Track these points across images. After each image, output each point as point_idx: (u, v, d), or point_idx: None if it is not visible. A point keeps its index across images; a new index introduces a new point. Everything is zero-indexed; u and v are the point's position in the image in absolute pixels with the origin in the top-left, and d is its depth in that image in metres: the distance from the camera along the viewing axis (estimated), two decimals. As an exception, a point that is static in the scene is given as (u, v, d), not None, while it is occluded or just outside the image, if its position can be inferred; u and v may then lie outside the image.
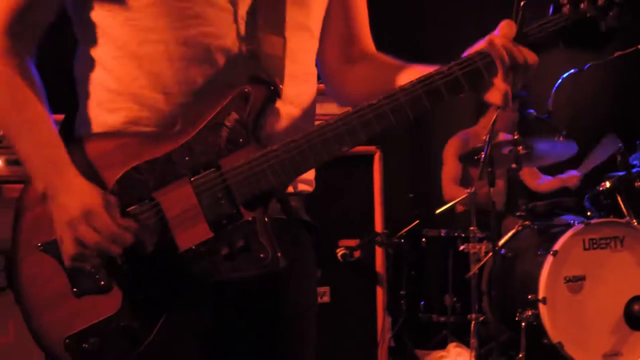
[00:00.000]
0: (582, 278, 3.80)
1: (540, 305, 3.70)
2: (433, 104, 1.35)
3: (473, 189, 3.93)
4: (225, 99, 1.32)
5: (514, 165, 4.02)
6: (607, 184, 4.27)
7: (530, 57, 1.35)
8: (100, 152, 1.35)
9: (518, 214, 4.21)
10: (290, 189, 1.47)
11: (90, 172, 1.33)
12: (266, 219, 1.33)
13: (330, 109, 3.26)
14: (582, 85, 5.23)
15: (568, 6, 1.38)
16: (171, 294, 1.33)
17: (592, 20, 1.38)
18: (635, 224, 3.97)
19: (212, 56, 1.34)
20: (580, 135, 5.02)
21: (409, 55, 1.55)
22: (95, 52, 1.40)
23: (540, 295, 3.70)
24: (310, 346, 1.57)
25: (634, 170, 4.33)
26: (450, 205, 4.24)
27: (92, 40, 1.39)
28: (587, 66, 4.59)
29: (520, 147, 3.99)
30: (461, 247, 3.99)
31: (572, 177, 4.69)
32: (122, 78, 1.36)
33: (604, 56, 4.65)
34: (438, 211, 4.22)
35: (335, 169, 3.64)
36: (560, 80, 4.52)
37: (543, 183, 4.81)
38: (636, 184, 4.25)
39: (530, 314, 3.72)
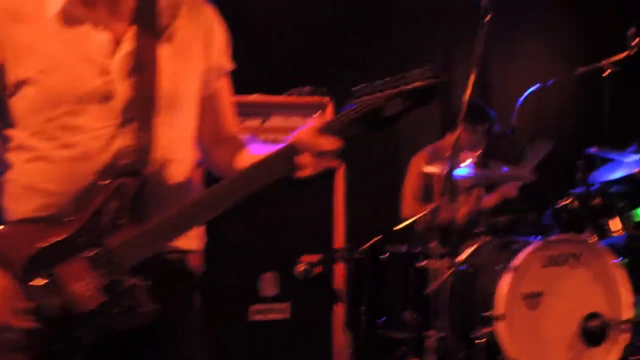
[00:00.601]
0: (540, 294, 3.85)
1: (498, 322, 3.73)
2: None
3: (435, 205, 3.97)
4: (108, 190, 1.69)
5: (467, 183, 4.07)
6: (567, 201, 4.36)
7: (333, 144, 1.72)
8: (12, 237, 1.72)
9: (479, 230, 4.27)
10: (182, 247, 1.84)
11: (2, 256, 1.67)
12: (147, 282, 1.69)
13: (295, 122, 3.35)
14: (546, 101, 5.33)
15: (367, 97, 1.73)
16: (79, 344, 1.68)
17: (380, 108, 1.72)
18: (593, 240, 4.04)
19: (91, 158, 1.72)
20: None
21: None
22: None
23: (498, 312, 3.74)
24: None
25: (593, 188, 4.42)
26: (412, 221, 4.28)
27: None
28: (550, 82, 4.69)
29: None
30: (421, 264, 4.03)
31: (509, 188, 4.76)
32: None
33: (567, 73, 4.76)
34: (396, 228, 4.27)
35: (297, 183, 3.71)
36: (524, 96, 4.60)
37: (486, 199, 4.85)
38: (595, 201, 4.33)
39: (487, 330, 3.74)
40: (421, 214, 4.17)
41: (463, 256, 4.12)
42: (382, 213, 4.90)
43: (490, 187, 4.81)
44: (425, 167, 4.56)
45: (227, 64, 1.98)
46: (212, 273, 3.45)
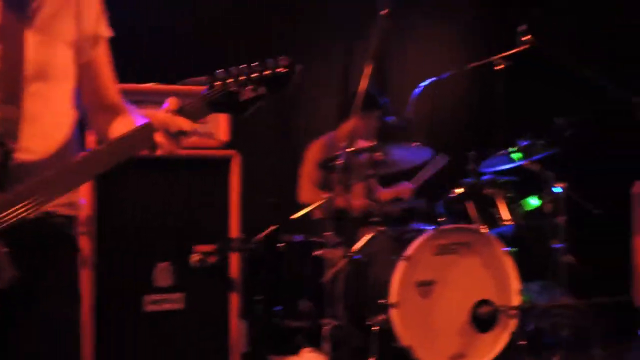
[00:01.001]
0: (432, 282, 3.96)
1: (392, 310, 3.81)
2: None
3: (331, 195, 4.01)
4: None
5: (370, 172, 4.14)
6: (459, 190, 4.48)
7: (186, 124, 1.84)
8: None
9: (373, 219, 4.34)
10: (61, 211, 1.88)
11: None
12: (6, 249, 1.71)
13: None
14: (442, 94, 5.46)
15: (220, 83, 1.84)
16: None
17: (235, 92, 1.85)
18: (483, 229, 4.17)
19: None
20: (440, 142, 5.26)
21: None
22: None
23: (392, 300, 3.82)
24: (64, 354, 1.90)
25: (483, 177, 4.56)
26: (308, 211, 4.31)
27: None
28: (445, 75, 4.80)
29: (377, 154, 4.13)
30: (317, 253, 4.07)
31: (405, 189, 4.88)
32: None
33: (461, 67, 4.89)
34: (293, 216, 4.29)
35: (192, 173, 3.69)
36: (419, 88, 4.70)
37: (382, 193, 4.94)
38: (485, 191, 4.46)
39: (381, 318, 3.83)
40: (317, 204, 4.19)
41: (358, 245, 4.19)
42: (280, 203, 4.90)
43: (386, 178, 4.91)
44: (321, 155, 4.61)
45: (103, 31, 2.01)
46: (106, 263, 3.44)
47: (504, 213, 4.46)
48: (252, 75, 1.85)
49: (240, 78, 1.84)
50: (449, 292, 4.00)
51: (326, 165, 4.25)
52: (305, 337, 4.18)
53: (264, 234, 4.15)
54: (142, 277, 3.57)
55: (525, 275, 4.43)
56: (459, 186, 4.51)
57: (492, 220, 4.43)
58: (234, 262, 3.68)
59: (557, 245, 4.44)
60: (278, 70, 1.86)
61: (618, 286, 5.05)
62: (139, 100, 3.27)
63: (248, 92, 1.85)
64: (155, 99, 3.73)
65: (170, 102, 1.88)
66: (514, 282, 4.11)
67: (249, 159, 3.80)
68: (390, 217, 4.48)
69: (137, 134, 1.86)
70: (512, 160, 4.66)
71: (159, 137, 1.84)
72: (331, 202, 4.00)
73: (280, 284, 4.35)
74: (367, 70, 3.76)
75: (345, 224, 3.96)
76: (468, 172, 4.56)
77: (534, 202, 4.63)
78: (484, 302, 4.04)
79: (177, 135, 1.85)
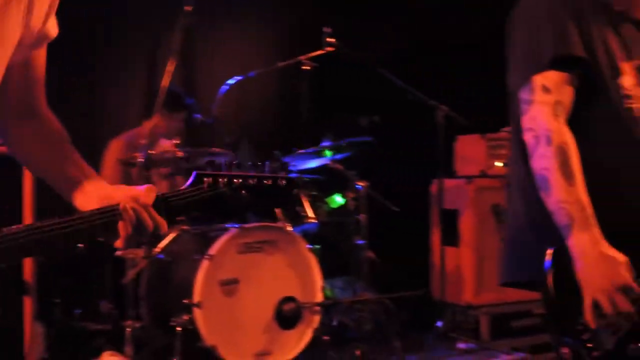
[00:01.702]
0: (237, 281, 3.97)
1: (196, 310, 3.79)
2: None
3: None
4: None
5: (173, 170, 4.10)
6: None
7: (162, 225, 1.59)
8: None
9: (177, 218, 4.30)
10: None
11: None
12: None
13: None
14: (249, 93, 5.50)
15: (209, 181, 1.62)
16: None
17: (224, 194, 1.62)
18: (288, 227, 4.23)
19: None
20: (247, 140, 5.30)
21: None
22: None
23: (195, 300, 3.80)
24: None
25: (288, 176, 4.62)
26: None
27: None
28: (252, 73, 4.85)
29: (180, 152, 4.10)
30: (118, 253, 3.99)
31: None
32: None
33: (268, 66, 4.96)
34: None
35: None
36: (225, 86, 4.71)
37: None
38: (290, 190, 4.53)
39: (185, 318, 3.80)
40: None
41: (161, 245, 4.15)
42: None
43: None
44: (122, 153, 4.51)
45: (50, 31, 1.76)
46: None
47: (309, 211, 4.54)
48: (249, 182, 1.65)
49: (235, 181, 1.63)
50: (254, 291, 4.02)
51: (127, 163, 4.17)
52: (106, 340, 4.07)
53: (61, 234, 4.00)
54: None
55: (329, 272, 4.58)
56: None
57: (297, 218, 4.51)
58: (28, 264, 3.53)
59: (360, 241, 4.60)
60: (279, 182, 1.70)
61: (418, 281, 5.31)
62: None
63: (243, 199, 1.64)
64: None
65: (146, 191, 1.59)
66: (318, 279, 4.20)
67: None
68: (194, 216, 4.45)
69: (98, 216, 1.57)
70: (322, 158, 4.78)
71: (123, 228, 1.56)
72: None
73: (80, 285, 4.22)
74: (170, 67, 3.72)
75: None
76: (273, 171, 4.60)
77: (338, 199, 4.76)
78: (288, 300, 4.10)
79: (146, 232, 1.58)
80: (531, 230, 2.02)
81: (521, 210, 2.05)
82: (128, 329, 3.80)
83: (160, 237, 1.44)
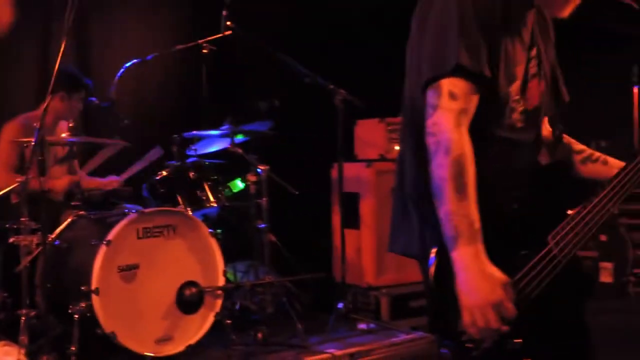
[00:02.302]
0: (136, 267, 3.90)
1: (93, 296, 3.71)
2: None
3: (25, 177, 3.78)
4: None
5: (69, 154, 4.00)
6: (164, 173, 4.46)
7: None
8: None
9: (74, 203, 4.20)
10: None
11: None
12: None
13: None
14: (148, 76, 5.40)
15: None
16: None
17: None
18: (188, 212, 4.19)
19: None
20: (144, 123, 5.21)
21: None
22: None
23: (93, 286, 3.71)
24: None
25: (189, 160, 4.58)
26: (2, 195, 4.04)
27: None
28: (150, 57, 4.76)
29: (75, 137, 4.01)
30: (11, 240, 3.85)
31: (111, 181, 4.78)
32: None
33: (167, 49, 4.88)
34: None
35: None
36: (122, 69, 4.61)
37: (84, 180, 4.80)
38: (190, 174, 4.48)
39: (83, 305, 3.72)
40: (11, 187, 3.93)
41: (57, 231, 4.03)
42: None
43: (89, 157, 4.78)
44: (17, 136, 4.36)
45: None
46: None
47: (210, 195, 4.51)
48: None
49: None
50: (154, 276, 3.97)
51: (21, 146, 4.04)
52: (0, 330, 3.94)
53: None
54: None
55: (231, 256, 4.56)
56: (164, 169, 4.49)
57: (198, 202, 4.47)
58: None
59: (261, 225, 4.59)
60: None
61: (319, 263, 5.34)
62: None
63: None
64: None
65: None
66: (219, 263, 4.17)
67: None
68: (92, 201, 4.35)
69: None
70: (222, 141, 4.74)
71: None
72: (25, 185, 3.76)
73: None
74: (62, 48, 3.61)
75: (44, 208, 3.74)
76: (173, 154, 4.56)
77: (239, 184, 4.72)
78: (189, 284, 4.06)
79: None
80: (414, 204, 2.05)
81: (411, 183, 2.07)
82: (23, 318, 3.67)
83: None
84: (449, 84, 1.87)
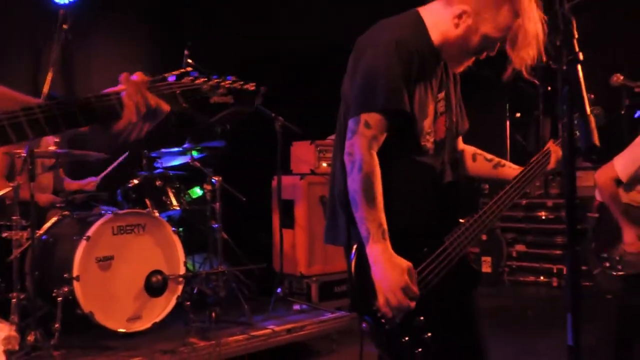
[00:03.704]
0: (111, 258, 3.78)
1: (75, 282, 3.58)
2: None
3: (16, 183, 3.61)
4: None
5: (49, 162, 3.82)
6: (135, 181, 4.36)
7: (162, 104, 1.40)
8: None
9: (58, 205, 4.03)
10: None
11: None
12: None
13: None
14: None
15: (190, 78, 1.46)
16: None
17: (205, 91, 1.49)
18: (155, 214, 4.07)
19: None
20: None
21: None
22: None
23: (75, 274, 3.59)
24: None
25: (156, 171, 4.48)
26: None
27: None
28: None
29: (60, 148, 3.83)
30: (4, 234, 3.67)
31: (89, 182, 4.64)
32: None
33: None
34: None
35: None
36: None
37: (67, 183, 4.64)
38: (157, 183, 4.39)
39: (66, 290, 3.58)
40: (4, 191, 3.76)
41: (44, 227, 3.86)
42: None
43: (72, 169, 4.60)
44: (8, 149, 4.14)
45: None
46: None
47: (173, 200, 4.43)
48: (223, 83, 1.50)
49: (212, 82, 1.48)
50: (126, 266, 3.85)
51: (12, 156, 3.84)
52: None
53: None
54: None
55: (190, 249, 4.46)
56: (135, 178, 4.39)
57: (164, 205, 4.38)
58: None
59: (215, 225, 4.49)
60: (246, 86, 1.55)
61: (262, 256, 5.26)
62: None
63: (217, 97, 1.49)
64: None
65: (140, 75, 1.40)
66: (181, 256, 4.08)
67: None
68: (74, 203, 4.18)
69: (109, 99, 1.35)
70: (184, 157, 4.64)
71: (128, 102, 1.34)
72: (16, 191, 3.58)
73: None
74: (49, 76, 3.46)
75: (33, 209, 3.59)
76: (143, 166, 4.45)
77: (197, 191, 4.67)
78: (155, 273, 3.96)
79: (147, 109, 1.37)
80: (342, 207, 2.03)
81: (337, 190, 2.04)
82: (14, 300, 3.50)
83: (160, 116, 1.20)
84: (366, 116, 1.87)
